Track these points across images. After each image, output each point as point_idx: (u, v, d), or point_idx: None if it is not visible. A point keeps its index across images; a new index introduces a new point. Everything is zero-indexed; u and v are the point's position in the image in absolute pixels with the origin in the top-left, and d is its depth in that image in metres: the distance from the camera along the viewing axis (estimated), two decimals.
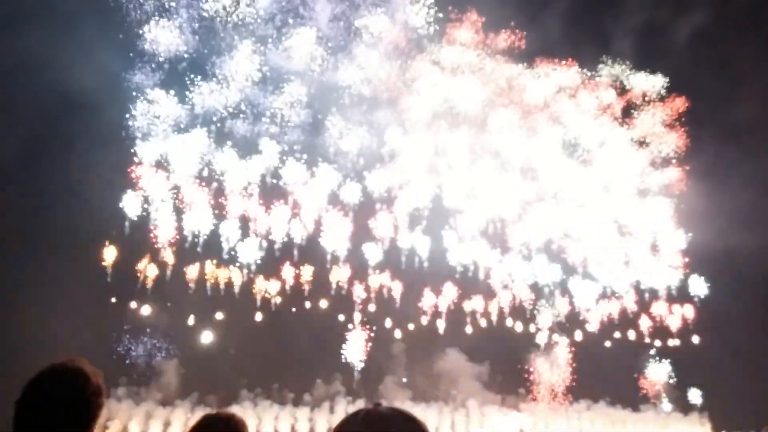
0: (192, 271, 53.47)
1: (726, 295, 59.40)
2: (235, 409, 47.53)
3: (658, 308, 61.37)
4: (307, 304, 56.14)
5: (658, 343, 61.21)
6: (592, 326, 60.11)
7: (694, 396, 60.25)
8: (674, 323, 60.97)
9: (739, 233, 54.00)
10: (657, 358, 60.50)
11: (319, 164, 56.94)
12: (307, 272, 56.80)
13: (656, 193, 62.40)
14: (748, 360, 56.29)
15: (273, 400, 51.92)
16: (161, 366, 51.99)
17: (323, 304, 56.91)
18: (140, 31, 53.41)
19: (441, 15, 58.78)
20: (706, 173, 57.88)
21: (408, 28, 58.61)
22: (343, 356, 55.69)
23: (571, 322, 60.11)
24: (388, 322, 58.15)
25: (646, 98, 63.47)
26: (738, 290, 57.75)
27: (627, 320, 60.98)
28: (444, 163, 59.48)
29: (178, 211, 54.07)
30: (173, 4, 54.47)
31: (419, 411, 56.92)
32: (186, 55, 54.88)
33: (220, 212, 54.87)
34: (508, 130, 60.28)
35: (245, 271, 54.56)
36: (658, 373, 60.32)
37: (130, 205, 52.04)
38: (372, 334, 56.56)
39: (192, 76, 55.17)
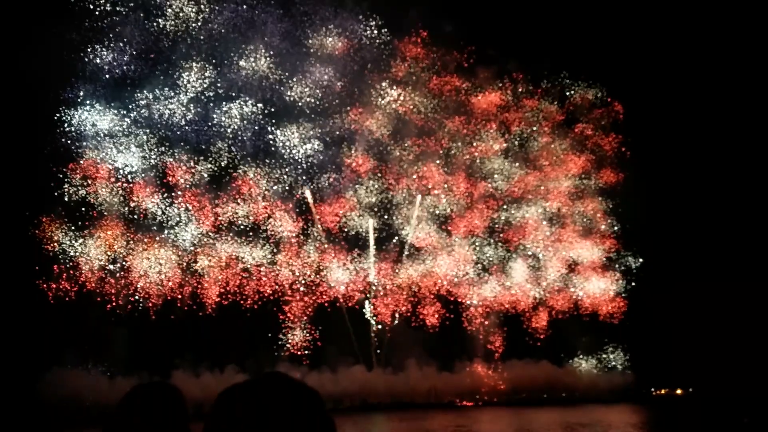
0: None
1: (654, 268, 64.12)
2: (177, 376, 49.80)
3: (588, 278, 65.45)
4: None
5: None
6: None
7: (617, 355, 64.65)
8: (600, 288, 65.04)
9: (667, 219, 60.72)
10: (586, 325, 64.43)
11: (268, 166, 59.43)
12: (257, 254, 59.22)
13: (593, 191, 66.61)
14: (675, 323, 60.51)
15: (215, 367, 54.64)
16: (109, 335, 53.67)
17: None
18: (88, 49, 55.17)
19: (388, 35, 61.63)
20: (640, 172, 62.04)
21: (359, 44, 61.13)
22: (286, 326, 58.44)
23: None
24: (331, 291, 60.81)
25: (586, 107, 67.67)
26: (667, 265, 62.25)
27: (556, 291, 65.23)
28: (394, 164, 62.89)
29: (124, 201, 56.24)
30: (118, 23, 55.89)
31: (360, 374, 59.92)
32: (131, 71, 56.59)
33: (169, 204, 57.27)
34: (456, 136, 63.93)
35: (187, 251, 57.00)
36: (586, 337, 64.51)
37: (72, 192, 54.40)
38: (313, 303, 59.35)
39: (138, 90, 56.81)
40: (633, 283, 64.86)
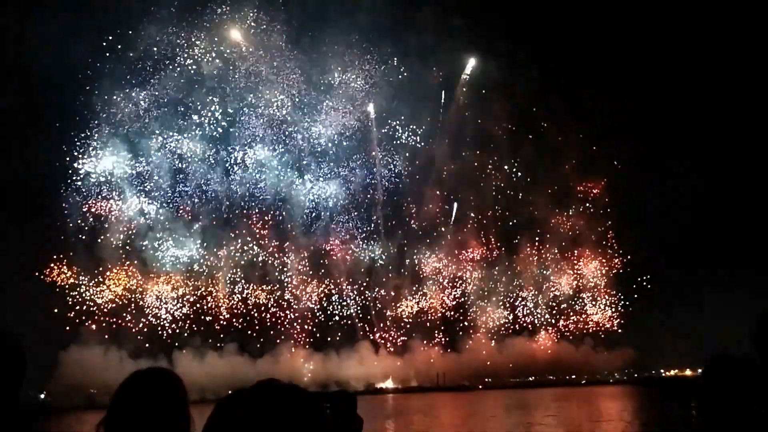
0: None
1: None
2: (183, 357, 50.35)
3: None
4: None
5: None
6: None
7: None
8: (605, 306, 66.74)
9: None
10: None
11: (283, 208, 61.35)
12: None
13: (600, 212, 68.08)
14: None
15: (218, 350, 55.59)
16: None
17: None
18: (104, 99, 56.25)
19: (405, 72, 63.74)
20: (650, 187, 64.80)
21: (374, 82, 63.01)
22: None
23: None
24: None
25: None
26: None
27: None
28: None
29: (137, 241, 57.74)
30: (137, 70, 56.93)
31: (366, 353, 60.40)
32: (147, 117, 57.83)
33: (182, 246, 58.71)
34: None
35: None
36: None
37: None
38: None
39: (156, 133, 58.05)
40: (635, 296, 66.15)
